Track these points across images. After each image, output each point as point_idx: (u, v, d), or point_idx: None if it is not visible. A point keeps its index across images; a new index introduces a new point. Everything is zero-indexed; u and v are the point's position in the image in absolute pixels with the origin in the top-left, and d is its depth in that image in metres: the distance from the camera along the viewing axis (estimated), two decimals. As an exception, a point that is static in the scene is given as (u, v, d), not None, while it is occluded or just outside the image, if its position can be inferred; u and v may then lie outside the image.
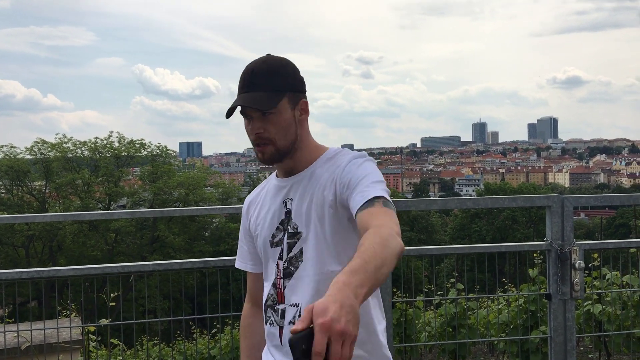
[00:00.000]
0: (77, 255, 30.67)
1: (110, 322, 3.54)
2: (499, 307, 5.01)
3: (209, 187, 37.87)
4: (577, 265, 3.10)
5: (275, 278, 1.84)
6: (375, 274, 1.32)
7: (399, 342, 4.46)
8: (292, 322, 1.78)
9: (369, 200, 1.60)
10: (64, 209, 32.19)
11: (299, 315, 1.75)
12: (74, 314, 4.15)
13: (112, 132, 36.20)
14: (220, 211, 3.90)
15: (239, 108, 1.79)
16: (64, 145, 34.75)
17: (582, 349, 5.80)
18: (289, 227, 1.83)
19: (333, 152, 1.89)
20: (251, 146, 1.83)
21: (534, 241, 3.58)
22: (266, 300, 1.87)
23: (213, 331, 5.82)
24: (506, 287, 6.91)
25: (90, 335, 4.21)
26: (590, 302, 4.54)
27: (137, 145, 35.82)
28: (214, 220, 34.50)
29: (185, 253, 30.37)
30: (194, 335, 6.46)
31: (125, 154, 35.48)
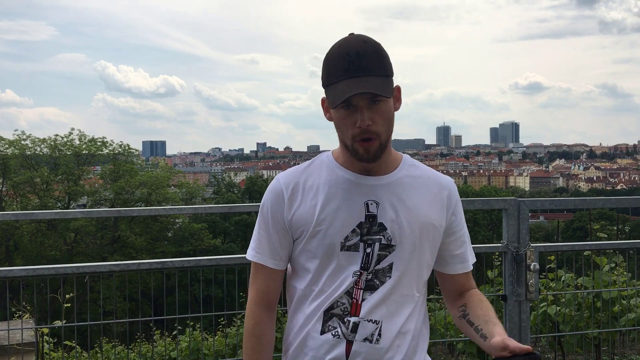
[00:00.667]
0: (35, 255, 29.88)
1: (64, 324, 3.46)
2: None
3: (172, 187, 37.40)
4: (532, 267, 3.16)
5: (354, 288, 1.64)
6: None
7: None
8: (368, 340, 1.63)
9: (470, 269, 1.83)
10: (22, 207, 31.32)
11: (379, 334, 1.64)
12: (26, 315, 4.03)
13: (72, 129, 35.46)
14: (180, 211, 3.82)
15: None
16: (23, 142, 33.82)
17: (539, 349, 5.92)
18: (381, 236, 1.64)
19: (410, 160, 1.78)
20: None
21: (493, 243, 3.65)
22: (330, 307, 1.65)
23: (174, 333, 5.74)
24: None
25: (45, 337, 4.11)
26: (546, 303, 4.63)
27: (99, 144, 35.10)
28: (177, 220, 34.06)
29: (147, 254, 29.87)
30: (154, 337, 6.36)
31: (86, 152, 34.74)
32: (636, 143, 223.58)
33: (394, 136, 1.71)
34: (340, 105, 1.56)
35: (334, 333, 1.65)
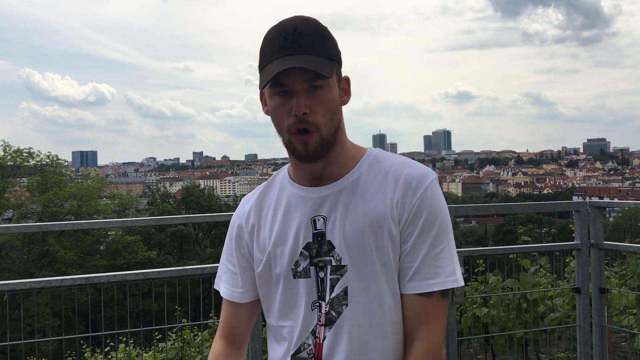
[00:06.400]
0: (-45, 273, 28.29)
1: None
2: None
3: (104, 199, 36.30)
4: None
5: (317, 324, 1.40)
6: None
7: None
8: None
9: (427, 293, 1.36)
10: (-60, 223, 29.59)
11: None
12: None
13: (-4, 140, 33.85)
14: (105, 225, 3.74)
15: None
16: (-59, 154, 32.04)
17: (471, 350, 6.09)
18: (331, 257, 1.39)
19: (375, 154, 1.47)
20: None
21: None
22: (297, 351, 1.43)
23: (106, 349, 5.57)
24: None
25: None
26: (476, 305, 4.78)
27: (25, 154, 33.66)
28: (109, 232, 33.08)
29: (78, 268, 28.82)
30: (85, 355, 6.15)
31: (11, 163, 33.25)
32: (560, 149, 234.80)
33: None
34: (274, 91, 1.34)
35: None
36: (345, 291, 1.38)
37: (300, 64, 1.28)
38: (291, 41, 1.31)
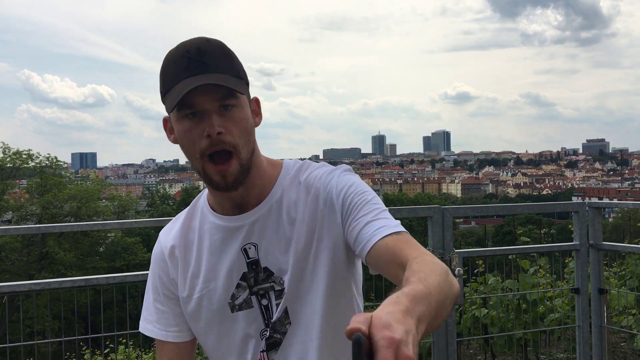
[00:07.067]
0: (-45, 275, 28.28)
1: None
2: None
3: (103, 200, 36.33)
4: (456, 272, 3.27)
5: (259, 352, 1.39)
6: (435, 313, 0.97)
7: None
8: None
9: (394, 232, 1.23)
10: (-61, 225, 29.59)
11: None
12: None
13: (-5, 142, 33.87)
14: (104, 226, 3.75)
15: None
16: (-60, 155, 32.04)
17: (471, 351, 6.10)
18: (272, 282, 1.37)
19: (292, 168, 1.43)
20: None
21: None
22: None
23: (106, 351, 5.58)
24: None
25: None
26: (476, 306, 4.80)
27: (24, 156, 33.68)
28: (109, 234, 33.10)
29: (77, 270, 28.84)
30: (85, 357, 6.15)
31: (11, 165, 33.29)
32: (559, 150, 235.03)
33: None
34: (182, 114, 1.27)
35: None
36: (285, 311, 1.37)
37: (210, 81, 1.22)
38: (196, 61, 1.25)
